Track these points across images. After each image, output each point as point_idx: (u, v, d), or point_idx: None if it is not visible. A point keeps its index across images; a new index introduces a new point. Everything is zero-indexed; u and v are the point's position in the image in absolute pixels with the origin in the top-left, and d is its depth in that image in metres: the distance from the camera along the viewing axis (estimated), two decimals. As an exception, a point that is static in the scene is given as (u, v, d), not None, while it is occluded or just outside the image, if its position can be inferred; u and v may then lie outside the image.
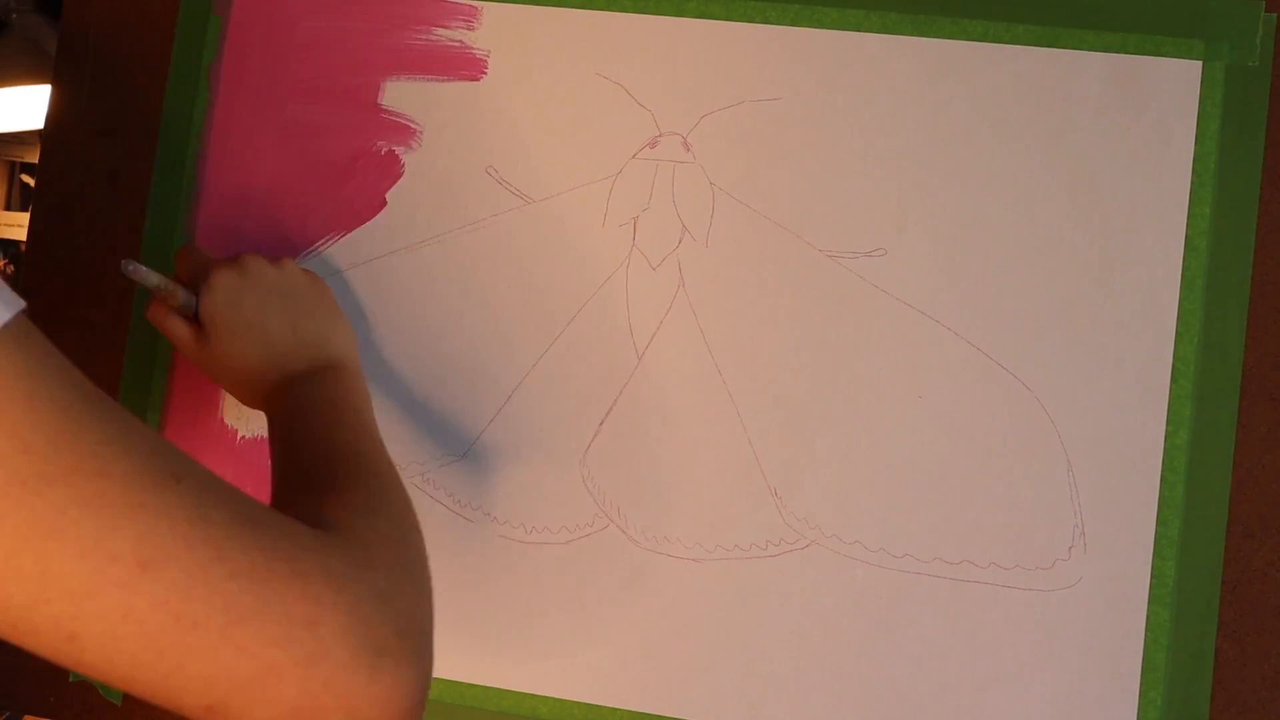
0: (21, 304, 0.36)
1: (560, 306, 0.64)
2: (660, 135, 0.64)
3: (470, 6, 0.66)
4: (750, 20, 0.63)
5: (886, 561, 0.60)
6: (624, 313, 0.63)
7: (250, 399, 0.58)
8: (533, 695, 0.62)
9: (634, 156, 0.64)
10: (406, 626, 0.38)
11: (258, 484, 0.65)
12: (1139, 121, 0.60)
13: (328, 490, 0.45)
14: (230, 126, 0.68)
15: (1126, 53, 0.60)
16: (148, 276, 0.56)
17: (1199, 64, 0.59)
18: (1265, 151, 0.59)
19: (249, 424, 0.66)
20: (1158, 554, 0.58)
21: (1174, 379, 0.58)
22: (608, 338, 0.63)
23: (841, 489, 0.60)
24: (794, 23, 0.63)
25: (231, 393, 0.59)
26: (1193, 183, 0.59)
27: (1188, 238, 0.59)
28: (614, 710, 0.61)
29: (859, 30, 0.62)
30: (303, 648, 0.35)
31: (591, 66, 0.64)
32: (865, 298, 0.61)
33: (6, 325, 0.34)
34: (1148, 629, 0.57)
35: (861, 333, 0.61)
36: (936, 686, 0.58)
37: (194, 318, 0.58)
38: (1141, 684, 0.57)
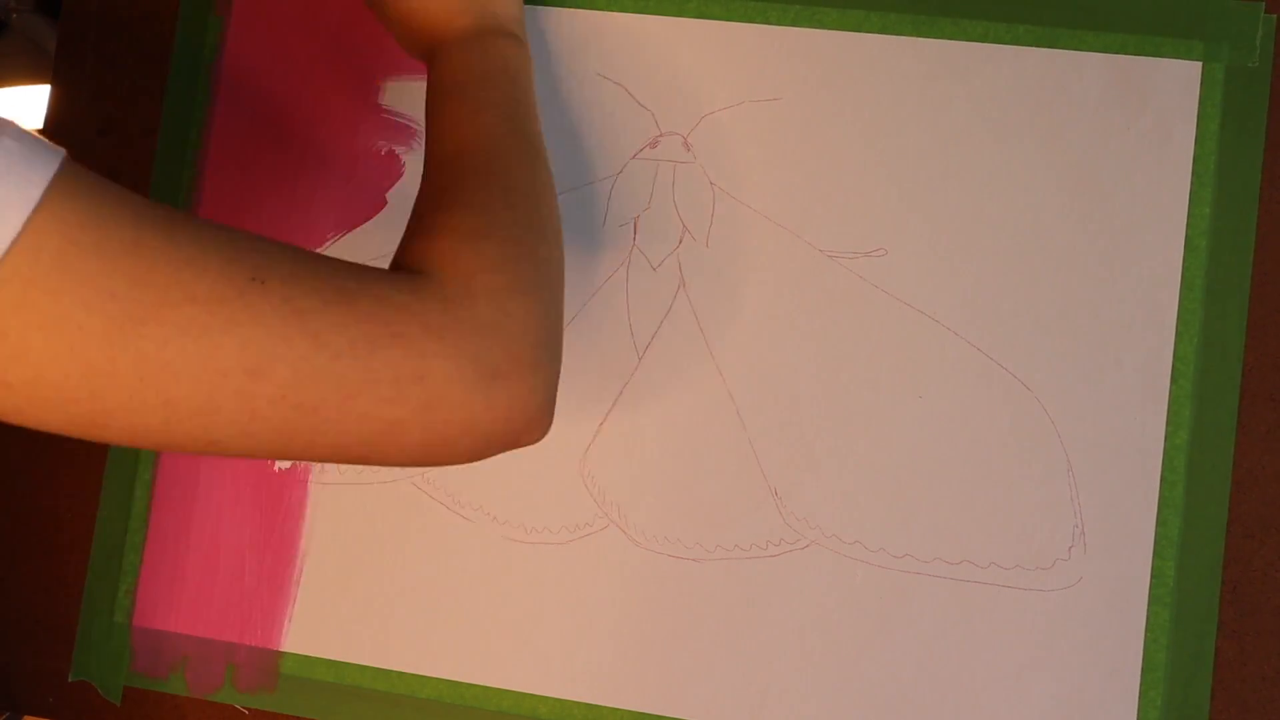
0: (62, 153, 0.36)
1: (560, 306, 0.64)
2: (661, 135, 0.64)
3: (470, 6, 0.66)
4: (751, 21, 0.63)
5: (886, 561, 0.60)
6: (624, 312, 0.63)
7: (412, 46, 0.55)
8: (533, 695, 0.62)
9: (634, 156, 0.64)
10: (517, 345, 0.40)
11: (256, 483, 0.65)
12: (1139, 122, 0.60)
13: (446, 208, 0.44)
14: (230, 126, 0.68)
15: (1126, 53, 0.60)
16: None
17: (1199, 64, 0.59)
18: (1265, 152, 0.59)
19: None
20: (1157, 554, 0.58)
21: (1174, 379, 0.58)
22: (608, 337, 0.63)
23: (842, 489, 0.60)
24: (794, 23, 0.63)
25: (396, 36, 0.56)
26: (1192, 183, 0.59)
27: (1187, 238, 0.59)
28: (614, 710, 0.61)
29: (859, 31, 0.62)
30: (417, 399, 0.38)
31: (592, 66, 0.64)
32: (865, 298, 0.61)
33: (54, 179, 0.35)
34: (1148, 629, 0.57)
35: (861, 333, 0.61)
36: (936, 686, 0.58)
37: None
38: (1141, 684, 0.57)
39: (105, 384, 0.35)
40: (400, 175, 0.66)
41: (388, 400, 0.38)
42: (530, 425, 0.42)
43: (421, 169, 0.50)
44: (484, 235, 0.43)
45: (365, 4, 0.59)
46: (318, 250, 0.67)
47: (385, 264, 0.65)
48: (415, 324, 0.38)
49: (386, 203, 0.66)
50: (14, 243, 0.34)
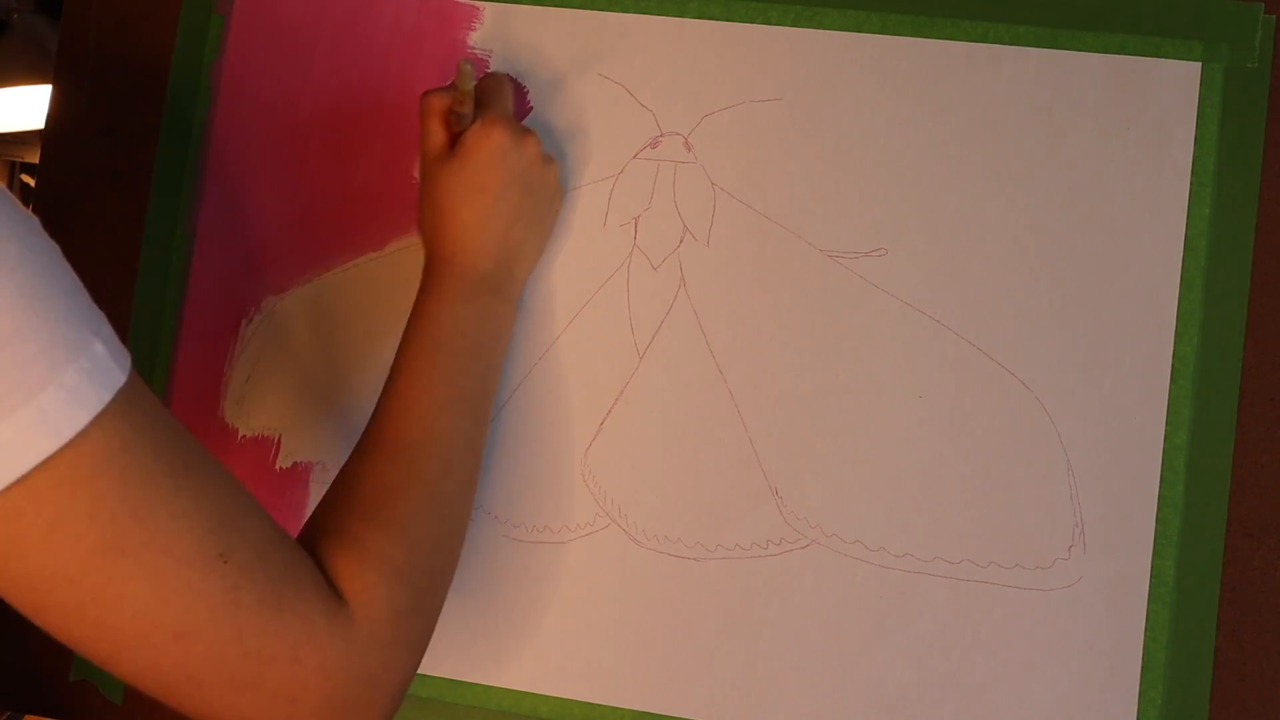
0: (130, 363, 0.40)
1: (561, 306, 0.64)
2: (661, 135, 0.64)
3: (472, 7, 0.66)
4: (751, 21, 0.63)
5: (887, 561, 0.60)
6: (625, 312, 0.63)
7: (426, 239, 0.58)
8: (533, 695, 0.62)
9: (635, 156, 0.64)
10: (378, 696, 0.44)
11: (256, 482, 0.65)
12: (1138, 122, 0.60)
13: (387, 525, 0.48)
14: (231, 126, 0.68)
15: (1126, 54, 0.60)
16: (467, 81, 0.56)
17: (1198, 65, 0.59)
18: (1264, 152, 0.59)
19: (249, 423, 0.66)
20: (1157, 553, 0.58)
21: (1173, 379, 0.58)
22: (609, 337, 0.63)
23: (842, 488, 0.60)
24: (795, 24, 0.63)
25: (420, 224, 0.59)
26: (1192, 183, 0.59)
27: (1187, 238, 0.59)
28: (614, 709, 0.61)
29: (859, 31, 0.62)
30: (279, 713, 0.42)
31: (593, 67, 0.65)
32: (865, 298, 0.61)
33: (118, 395, 0.39)
34: (1147, 628, 0.57)
35: (862, 333, 0.61)
36: (936, 686, 0.59)
37: (456, 131, 0.57)
38: (1141, 683, 0.57)
39: (64, 588, 0.39)
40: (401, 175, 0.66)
41: (257, 706, 0.42)
42: None
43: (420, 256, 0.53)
44: (405, 580, 0.47)
45: (423, 168, 0.60)
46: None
47: (385, 262, 0.66)
48: (315, 657, 0.42)
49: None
50: (69, 443, 0.37)
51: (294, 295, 0.67)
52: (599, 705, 0.61)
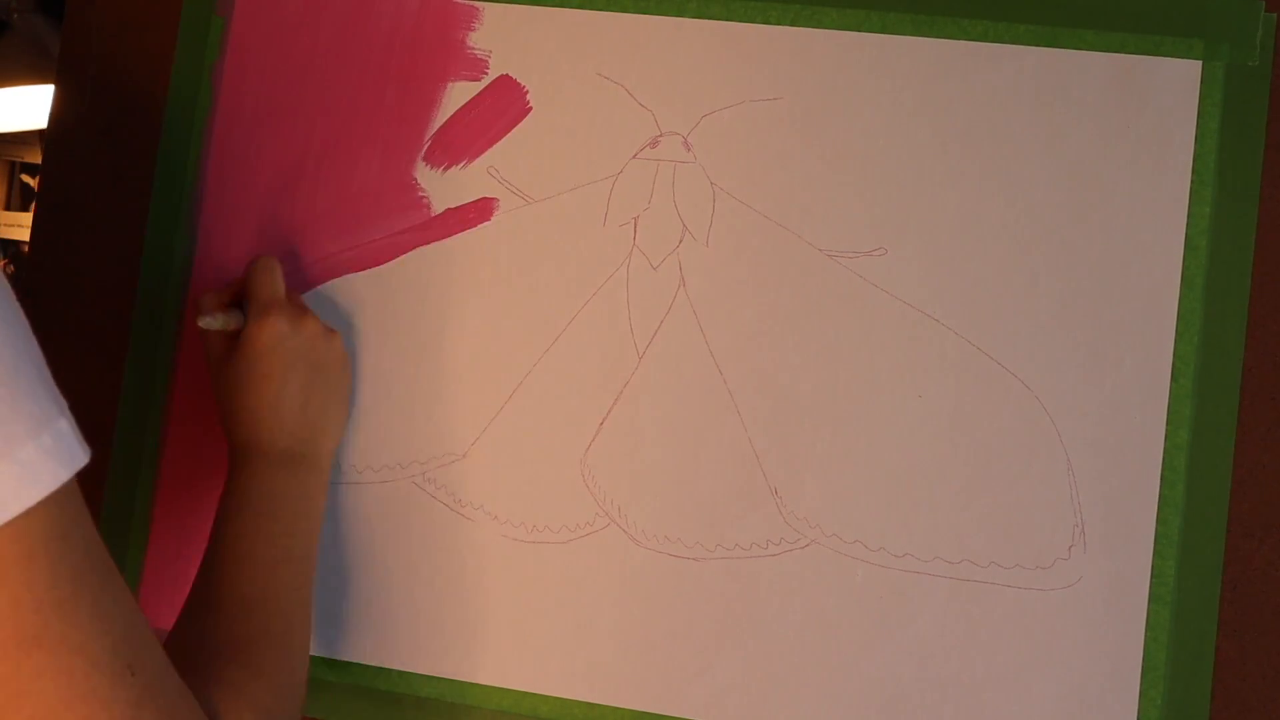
0: (83, 461, 0.40)
1: (560, 306, 0.64)
2: (661, 135, 0.64)
3: (471, 7, 0.66)
4: (750, 20, 0.63)
5: (887, 561, 0.60)
6: (624, 312, 0.63)
7: (226, 431, 0.60)
8: (533, 694, 0.62)
9: (634, 156, 0.64)
10: None
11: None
12: (1139, 121, 0.60)
13: (257, 674, 0.51)
14: (232, 127, 0.68)
15: (1126, 53, 0.60)
16: (214, 322, 0.59)
17: (1199, 64, 0.59)
18: (1265, 151, 0.59)
19: (250, 423, 0.66)
20: (1158, 553, 0.58)
21: (1174, 378, 0.58)
22: (608, 337, 0.63)
23: (842, 488, 0.60)
24: (794, 23, 0.63)
25: (221, 419, 0.61)
26: (1192, 182, 0.59)
27: (1187, 237, 0.59)
28: (614, 709, 0.61)
29: (859, 30, 0.62)
30: None
31: (592, 66, 0.65)
32: (865, 297, 0.61)
33: (63, 486, 0.39)
34: (1148, 628, 0.57)
35: (861, 332, 0.61)
36: (936, 686, 0.59)
37: (234, 329, 0.60)
38: (1142, 683, 0.57)
39: None
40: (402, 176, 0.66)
41: None
42: None
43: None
44: (273, 716, 0.50)
45: (209, 367, 0.62)
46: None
47: (385, 263, 0.66)
48: None
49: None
50: (12, 519, 0.37)
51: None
52: (599, 705, 0.61)
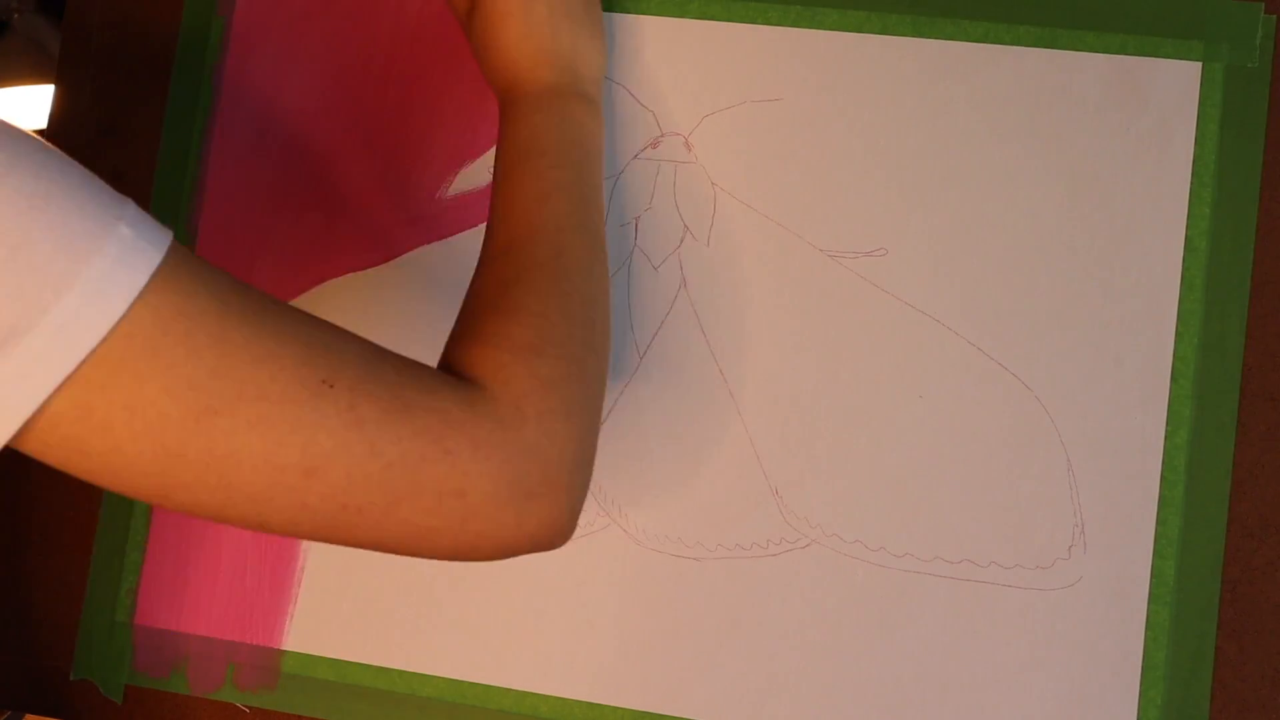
0: (169, 240, 0.39)
1: (561, 306, 0.64)
2: (662, 135, 0.64)
3: (472, 7, 0.66)
4: (751, 21, 0.63)
5: (887, 561, 0.60)
6: (625, 312, 0.63)
7: (495, 86, 0.57)
8: (533, 694, 0.62)
9: (635, 156, 0.64)
10: (554, 469, 0.42)
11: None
12: (1138, 122, 0.60)
13: (506, 312, 0.46)
14: (233, 127, 0.68)
15: (1126, 54, 0.60)
16: None
17: (1198, 65, 0.59)
18: (1265, 152, 0.59)
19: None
20: (1157, 553, 0.58)
21: (1174, 379, 0.58)
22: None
23: (842, 488, 0.60)
24: (795, 24, 0.63)
25: (483, 72, 0.58)
26: (1192, 183, 0.59)
27: (1187, 238, 0.59)
28: (614, 709, 0.61)
29: (860, 31, 0.62)
30: (456, 513, 0.41)
31: (593, 67, 0.65)
32: (866, 297, 0.61)
33: (159, 268, 0.38)
34: (1148, 628, 0.57)
35: (862, 332, 0.61)
36: (936, 686, 0.59)
37: None
38: (1141, 683, 0.57)
39: (174, 464, 0.38)
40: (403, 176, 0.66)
41: (428, 510, 0.41)
42: (554, 540, 0.44)
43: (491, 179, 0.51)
44: (539, 352, 0.44)
45: (461, 26, 0.60)
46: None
47: (386, 264, 0.66)
48: (465, 442, 0.41)
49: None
50: (113, 329, 0.37)
51: (297, 301, 0.67)
52: (599, 705, 0.61)
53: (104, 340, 0.37)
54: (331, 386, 0.40)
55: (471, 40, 0.58)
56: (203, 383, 0.38)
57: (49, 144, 0.39)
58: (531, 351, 0.44)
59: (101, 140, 0.70)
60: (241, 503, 0.40)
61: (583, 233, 0.51)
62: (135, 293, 0.37)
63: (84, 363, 0.36)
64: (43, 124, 0.73)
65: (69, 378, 0.36)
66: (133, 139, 0.70)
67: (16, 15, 1.34)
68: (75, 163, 0.39)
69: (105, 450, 0.38)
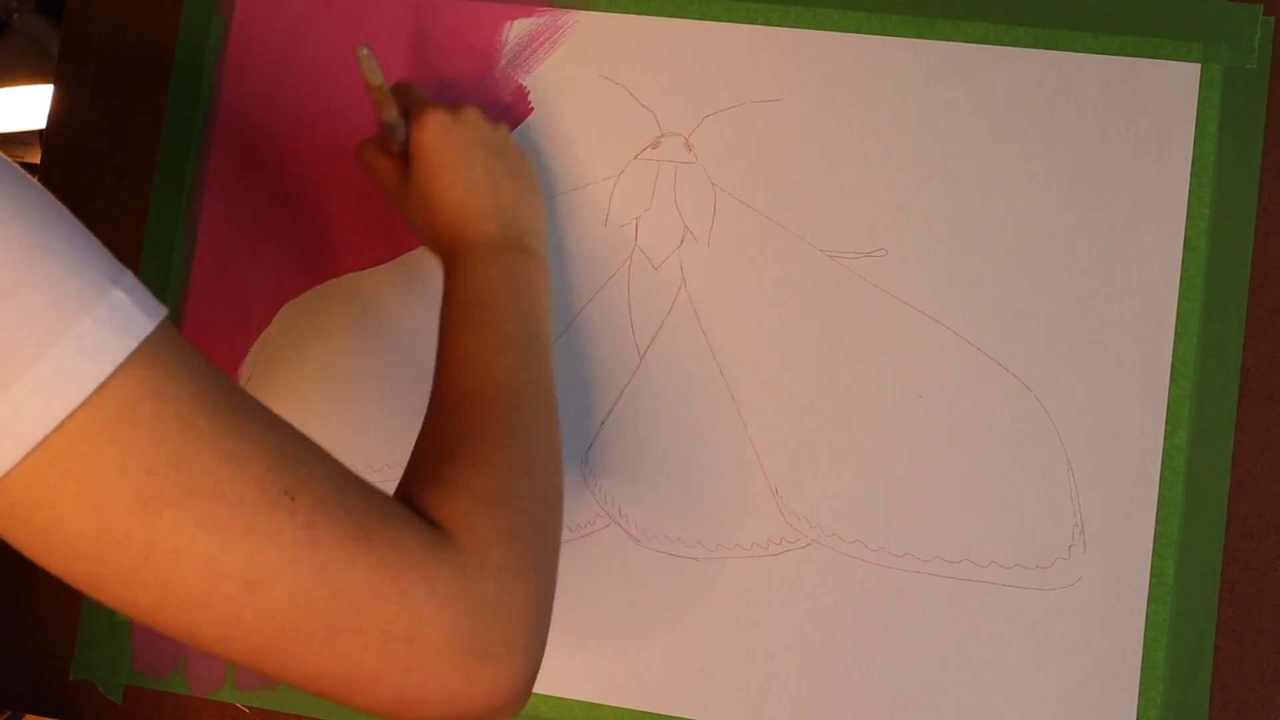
0: (163, 313, 0.38)
1: (562, 306, 0.64)
2: (662, 136, 0.64)
3: (473, 7, 0.66)
4: (751, 22, 0.64)
5: (887, 561, 0.60)
6: (626, 312, 0.63)
7: (440, 247, 0.57)
8: (533, 695, 0.62)
9: (636, 157, 0.64)
10: (513, 629, 0.40)
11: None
12: (1138, 123, 0.60)
13: (467, 460, 0.45)
14: (233, 126, 0.68)
15: (1125, 55, 0.60)
16: (374, 72, 0.56)
17: (1197, 66, 0.60)
18: (1263, 153, 0.59)
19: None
20: (1157, 553, 0.58)
21: (1173, 379, 0.58)
22: (609, 337, 0.63)
23: (842, 488, 0.60)
24: (795, 25, 0.63)
25: (424, 240, 0.58)
26: (1191, 184, 0.59)
27: (1186, 238, 0.59)
28: (614, 709, 0.61)
29: (860, 32, 0.62)
30: (401, 659, 0.38)
31: (594, 67, 0.65)
32: (866, 298, 0.61)
33: (143, 343, 0.37)
34: (1147, 628, 0.57)
35: (862, 333, 0.61)
36: (936, 686, 0.59)
37: (399, 151, 0.57)
38: (1141, 682, 0.57)
39: (113, 550, 0.36)
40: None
41: (371, 651, 0.38)
42: (505, 708, 0.40)
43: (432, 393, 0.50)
44: (502, 504, 0.43)
45: (384, 195, 0.60)
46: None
47: (387, 263, 0.66)
48: (423, 585, 0.38)
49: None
50: (84, 401, 0.35)
51: (297, 301, 0.67)
52: (599, 705, 0.61)
53: (79, 406, 0.35)
54: (292, 499, 0.38)
55: (407, 208, 0.58)
56: (160, 469, 0.36)
57: (58, 202, 0.38)
58: (494, 502, 0.43)
59: (101, 139, 0.70)
60: (175, 606, 0.37)
61: (536, 386, 0.50)
62: (119, 360, 0.36)
63: (59, 425, 0.35)
64: (42, 124, 0.73)
65: (42, 440, 0.35)
66: (133, 138, 0.70)
67: (16, 15, 1.34)
68: (80, 224, 0.38)
69: (47, 524, 0.36)
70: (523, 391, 0.49)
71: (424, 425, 0.49)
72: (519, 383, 0.49)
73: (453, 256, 0.55)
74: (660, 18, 0.64)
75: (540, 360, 0.52)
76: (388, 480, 0.64)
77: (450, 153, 0.56)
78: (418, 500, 0.42)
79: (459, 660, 0.39)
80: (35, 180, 0.38)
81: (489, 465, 0.45)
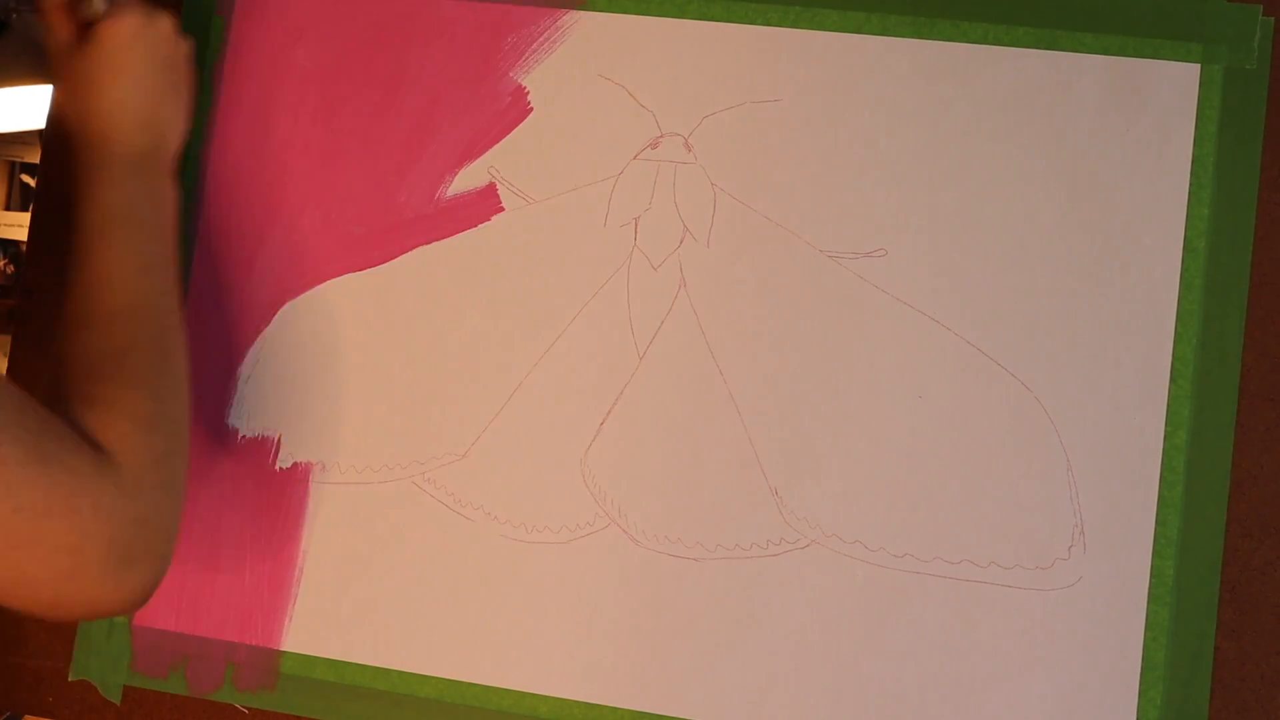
0: None
1: (561, 306, 0.64)
2: (662, 136, 0.64)
3: (471, 7, 0.66)
4: (751, 22, 0.64)
5: (887, 561, 0.60)
6: (625, 313, 0.63)
7: (74, 125, 0.57)
8: (533, 695, 0.62)
9: (635, 157, 0.64)
10: (155, 539, 0.46)
11: (259, 481, 0.66)
12: (1138, 123, 0.60)
13: (127, 383, 0.49)
14: (232, 127, 0.68)
15: (1125, 55, 0.60)
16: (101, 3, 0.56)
17: (1197, 67, 0.60)
18: (1263, 153, 0.59)
19: (250, 424, 0.66)
20: (1157, 553, 0.58)
21: (1173, 379, 0.58)
22: (609, 338, 0.63)
23: (842, 488, 0.60)
24: (794, 25, 0.63)
25: (65, 118, 0.58)
26: (1191, 184, 0.59)
27: (1186, 239, 0.59)
28: (614, 709, 0.61)
29: (859, 32, 0.62)
30: (64, 568, 0.43)
31: (593, 67, 0.65)
32: (865, 298, 0.61)
33: None
34: (1147, 628, 0.57)
35: (862, 333, 0.61)
36: (936, 686, 0.59)
37: (84, 21, 0.56)
38: (1141, 683, 0.57)
39: None
40: (405, 176, 0.66)
41: (39, 561, 0.43)
42: (140, 602, 0.47)
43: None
44: (157, 427, 0.48)
45: (53, 56, 0.59)
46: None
47: (385, 263, 0.66)
48: (89, 502, 0.43)
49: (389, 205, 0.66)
50: None
51: (297, 301, 0.67)
52: (599, 705, 0.61)
53: None
54: None
55: (63, 78, 0.58)
56: None
57: None
58: (150, 425, 0.48)
59: (101, 140, 0.70)
60: None
61: (176, 313, 0.54)
62: None
63: None
64: (41, 124, 0.73)
65: None
66: (132, 139, 0.69)
67: (15, 15, 1.34)
68: None
69: None
70: (167, 317, 0.53)
71: (72, 335, 0.52)
72: (164, 308, 0.53)
73: (95, 157, 0.56)
74: (660, 18, 0.64)
75: (175, 286, 0.55)
76: (386, 481, 0.65)
77: (132, 55, 0.56)
78: (83, 420, 0.47)
79: (112, 568, 0.44)
80: None
81: (146, 388, 0.49)
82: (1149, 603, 0.57)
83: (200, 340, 0.67)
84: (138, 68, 0.56)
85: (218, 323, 0.67)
